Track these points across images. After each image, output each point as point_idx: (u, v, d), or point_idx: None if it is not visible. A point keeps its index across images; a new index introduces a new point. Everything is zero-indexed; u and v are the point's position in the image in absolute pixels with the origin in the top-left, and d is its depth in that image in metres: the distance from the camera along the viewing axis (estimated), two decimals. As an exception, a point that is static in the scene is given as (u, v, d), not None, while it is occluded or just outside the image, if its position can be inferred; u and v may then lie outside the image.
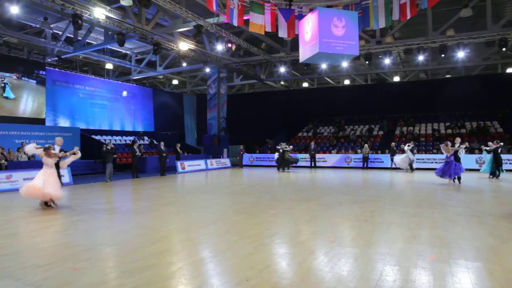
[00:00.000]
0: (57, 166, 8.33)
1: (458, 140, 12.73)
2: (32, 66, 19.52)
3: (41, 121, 19.56)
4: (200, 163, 20.83)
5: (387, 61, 19.87)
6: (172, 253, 4.74)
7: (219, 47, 18.03)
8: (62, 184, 8.97)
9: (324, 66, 23.50)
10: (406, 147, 17.66)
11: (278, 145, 19.71)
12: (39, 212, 7.62)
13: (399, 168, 18.29)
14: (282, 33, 12.61)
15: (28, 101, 19.26)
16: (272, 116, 28.91)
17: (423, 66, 22.10)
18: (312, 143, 22.49)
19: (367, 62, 19.73)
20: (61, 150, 8.47)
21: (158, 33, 17.05)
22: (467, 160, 18.39)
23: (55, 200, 8.06)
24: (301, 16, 12.08)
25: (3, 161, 13.13)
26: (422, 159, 19.48)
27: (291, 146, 20.03)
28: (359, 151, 21.60)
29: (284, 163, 19.17)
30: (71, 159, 8.66)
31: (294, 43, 19.86)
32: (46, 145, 8.11)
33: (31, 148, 7.97)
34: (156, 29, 16.80)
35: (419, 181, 13.13)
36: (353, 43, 9.91)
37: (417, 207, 7.77)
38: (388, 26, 14.10)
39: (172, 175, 17.19)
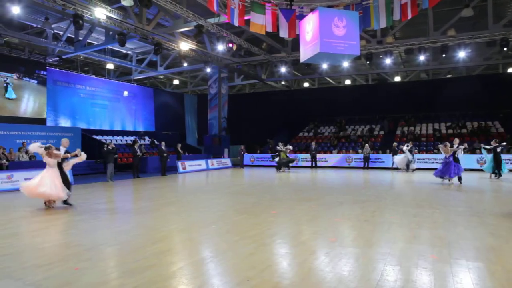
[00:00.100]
0: (60, 167, 8.24)
1: (456, 141, 12.76)
2: (33, 66, 19.54)
3: (42, 121, 19.58)
4: (201, 163, 20.83)
5: (388, 61, 19.87)
6: (173, 253, 4.74)
7: (220, 47, 18.04)
8: (71, 184, 8.82)
9: (325, 66, 23.50)
10: (404, 148, 17.69)
11: (277, 146, 19.77)
12: (40, 212, 7.63)
13: (399, 168, 18.29)
14: (283, 33, 12.60)
15: (29, 101, 19.29)
16: (273, 116, 28.91)
17: (424, 66, 22.08)
18: (313, 143, 22.48)
19: (368, 62, 19.71)
20: (66, 152, 8.40)
21: (159, 33, 17.06)
22: (468, 160, 18.41)
23: (54, 200, 8.00)
24: (302, 16, 12.08)
25: (4, 161, 13.14)
26: (423, 159, 19.46)
27: (290, 146, 19.99)
28: (360, 151, 21.59)
29: (280, 164, 19.20)
30: (75, 160, 8.49)
31: (295, 43, 19.86)
32: (47, 145, 8.07)
33: (34, 147, 7.97)
34: (157, 29, 16.81)
35: (420, 181, 13.12)
36: (354, 43, 9.91)
37: (417, 207, 7.76)
38: (389, 26, 14.08)
39: (173, 175, 17.20)
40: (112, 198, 10.37)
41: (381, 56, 20.47)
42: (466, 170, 17.65)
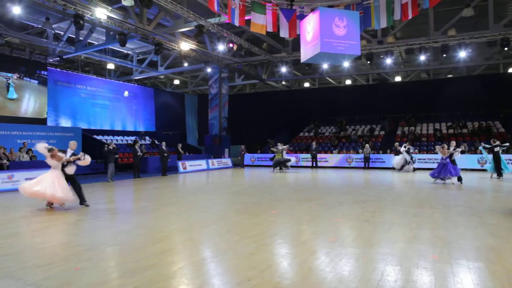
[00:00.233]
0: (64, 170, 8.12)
1: (453, 143, 12.86)
2: (34, 66, 19.56)
3: (43, 121, 19.59)
4: (201, 163, 20.84)
5: (388, 61, 19.87)
6: (174, 253, 4.74)
7: (221, 47, 18.04)
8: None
9: (325, 66, 23.49)
10: (402, 148, 17.76)
11: (271, 147, 19.89)
12: (40, 212, 7.64)
13: (395, 168, 18.38)
14: (284, 33, 12.61)
15: (30, 101, 19.30)
16: (273, 116, 28.91)
17: (424, 66, 22.06)
18: (314, 143, 22.49)
19: (368, 62, 19.70)
20: (72, 154, 8.30)
21: (160, 33, 17.06)
22: (468, 160, 18.44)
23: (53, 202, 7.91)
24: (302, 16, 12.08)
25: (5, 161, 13.15)
26: (423, 159, 19.44)
27: (284, 146, 19.95)
28: (360, 151, 21.58)
29: (276, 164, 19.24)
30: (79, 163, 8.30)
31: (295, 43, 19.86)
32: (49, 147, 7.96)
33: (41, 147, 7.88)
34: (157, 29, 16.81)
35: (420, 181, 13.11)
36: (355, 43, 9.91)
37: (418, 207, 7.76)
38: (389, 26, 14.08)
39: (173, 175, 17.21)
40: (112, 198, 10.38)
41: (381, 56, 20.48)
42: (466, 170, 17.82)
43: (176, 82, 30.33)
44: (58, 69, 21.75)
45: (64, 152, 8.16)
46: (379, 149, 22.09)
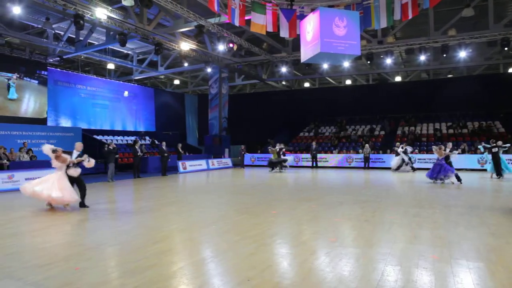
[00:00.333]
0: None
1: (449, 145, 13.08)
2: (34, 66, 19.55)
3: (43, 121, 19.59)
4: (201, 163, 20.84)
5: (388, 61, 19.87)
6: (174, 253, 4.74)
7: (221, 47, 18.04)
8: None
9: (325, 66, 23.49)
10: (399, 149, 17.85)
11: (278, 145, 19.88)
12: (41, 212, 7.64)
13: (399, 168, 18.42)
14: (284, 33, 12.60)
15: (30, 101, 19.30)
16: (273, 116, 28.91)
17: (424, 66, 22.06)
18: (314, 143, 22.49)
19: (368, 62, 19.69)
20: (78, 156, 8.25)
21: (160, 33, 17.06)
22: (468, 160, 18.46)
23: (52, 203, 7.85)
24: (302, 16, 12.08)
25: (5, 161, 13.15)
26: (424, 159, 19.45)
27: (280, 146, 19.96)
28: (360, 151, 21.58)
29: (270, 164, 19.25)
30: (86, 164, 8.22)
31: (295, 43, 19.86)
32: (53, 147, 7.86)
33: (46, 149, 7.79)
34: (157, 29, 16.81)
35: (420, 181, 13.10)
36: (355, 43, 9.91)
37: (418, 207, 7.76)
38: (389, 26, 14.07)
39: (173, 175, 17.21)
40: (112, 198, 10.38)
41: (381, 56, 20.47)
42: (466, 170, 17.84)
43: (176, 82, 30.33)
44: (58, 69, 21.75)
45: (70, 153, 8.10)
46: (379, 149, 22.10)
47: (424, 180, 13.10)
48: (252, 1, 12.39)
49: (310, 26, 10.15)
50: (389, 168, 19.40)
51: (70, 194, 7.76)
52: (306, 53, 10.48)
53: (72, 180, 8.01)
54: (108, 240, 5.37)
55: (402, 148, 17.88)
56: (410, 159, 18.05)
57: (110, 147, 14.76)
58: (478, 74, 24.47)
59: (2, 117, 17.48)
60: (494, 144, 13.94)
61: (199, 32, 15.63)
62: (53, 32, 18.10)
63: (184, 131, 30.63)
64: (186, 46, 18.60)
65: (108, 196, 10.75)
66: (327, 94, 28.34)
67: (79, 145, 8.43)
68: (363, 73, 26.33)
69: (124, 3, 12.46)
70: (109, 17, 14.59)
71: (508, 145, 14.69)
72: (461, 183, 12.12)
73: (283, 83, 29.98)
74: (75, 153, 8.19)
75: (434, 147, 13.18)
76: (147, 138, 25.44)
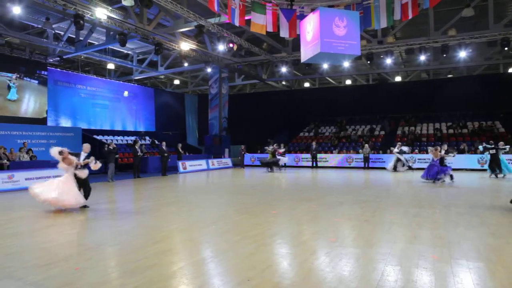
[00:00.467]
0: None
1: (444, 147, 13.25)
2: (34, 66, 19.55)
3: (43, 121, 19.58)
4: (201, 163, 20.84)
5: (388, 61, 19.86)
6: (174, 253, 4.75)
7: (221, 47, 18.04)
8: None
9: (325, 66, 23.49)
10: (395, 150, 18.03)
11: (275, 146, 19.95)
12: (41, 212, 7.64)
13: (411, 168, 18.52)
14: (284, 33, 12.60)
15: (30, 101, 19.30)
16: (273, 116, 28.91)
17: (424, 66, 22.06)
18: (314, 143, 22.50)
19: (368, 62, 19.69)
20: (86, 157, 8.20)
21: (160, 33, 17.06)
22: (469, 160, 18.48)
23: (53, 206, 7.71)
24: (302, 16, 12.08)
25: (5, 161, 13.15)
26: (424, 159, 19.43)
27: (274, 146, 20.01)
28: (360, 151, 21.58)
29: (269, 164, 19.27)
30: (92, 166, 8.16)
31: (295, 43, 19.86)
32: (60, 149, 7.73)
33: (54, 152, 7.68)
34: (157, 29, 16.81)
35: (419, 181, 13.10)
36: (355, 43, 9.91)
37: (418, 207, 7.76)
38: (389, 26, 14.07)
39: (173, 175, 17.21)
40: (112, 198, 10.37)
41: (381, 56, 20.47)
42: (466, 170, 17.86)
43: (176, 82, 30.33)
44: (58, 69, 21.74)
45: (77, 155, 8.04)
46: (379, 149, 22.09)
47: (423, 180, 13.12)
48: (252, 1, 12.39)
49: (310, 26, 10.15)
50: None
51: (74, 198, 7.59)
52: (306, 53, 10.48)
53: (80, 182, 7.96)
54: (108, 240, 5.37)
55: (397, 148, 17.99)
56: (406, 159, 18.14)
57: (110, 147, 14.76)
58: (478, 74, 24.46)
59: (2, 117, 17.48)
60: (493, 146, 14.14)
61: (199, 32, 15.63)
62: (53, 32, 18.10)
63: (184, 131, 30.63)
64: (186, 46, 18.60)
65: (108, 196, 10.75)
66: (327, 94, 28.33)
67: (86, 147, 8.38)
68: (363, 73, 26.32)
69: (124, 3, 12.46)
70: (109, 17, 14.59)
71: (508, 147, 14.75)
72: (453, 181, 12.42)
73: (283, 83, 29.98)
74: (83, 155, 8.13)
75: (430, 148, 13.46)
76: (147, 138, 25.44)
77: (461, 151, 19.52)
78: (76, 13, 13.41)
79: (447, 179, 12.55)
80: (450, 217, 6.74)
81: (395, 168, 18.01)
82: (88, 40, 18.76)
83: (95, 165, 8.16)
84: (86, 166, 8.11)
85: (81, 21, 13.49)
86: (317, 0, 13.00)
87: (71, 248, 4.97)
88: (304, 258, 4.39)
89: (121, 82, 26.15)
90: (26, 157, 14.43)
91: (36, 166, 13.33)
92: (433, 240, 5.12)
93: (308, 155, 22.26)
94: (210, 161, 21.72)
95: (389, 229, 5.84)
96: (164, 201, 9.36)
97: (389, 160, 19.57)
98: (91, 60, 23.56)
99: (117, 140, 22.98)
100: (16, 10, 13.62)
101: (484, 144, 14.96)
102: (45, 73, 20.10)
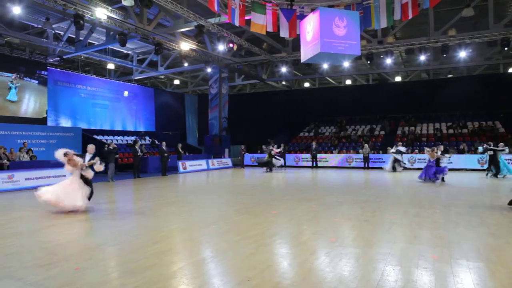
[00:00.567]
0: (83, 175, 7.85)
1: (440, 148, 13.47)
2: (34, 66, 19.55)
3: (43, 121, 19.58)
4: (201, 163, 20.84)
5: (388, 61, 19.86)
6: (174, 253, 4.75)
7: (221, 47, 18.04)
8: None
9: (325, 66, 23.49)
10: (392, 150, 18.18)
11: (270, 146, 19.96)
12: (41, 212, 7.64)
13: (406, 168, 18.53)
14: (284, 33, 12.60)
15: (30, 101, 19.30)
16: (273, 116, 28.90)
17: (424, 66, 22.06)
18: (314, 143, 22.50)
19: (368, 62, 19.69)
20: (91, 159, 8.17)
21: (160, 33, 17.06)
22: (469, 160, 18.47)
23: (53, 206, 7.62)
24: (302, 16, 12.08)
25: (5, 161, 13.15)
26: (424, 159, 19.39)
27: (270, 147, 20.07)
28: (360, 151, 21.58)
29: (266, 164, 19.28)
30: (96, 168, 8.07)
31: (295, 43, 19.85)
32: (64, 151, 7.63)
33: (59, 154, 7.61)
34: (157, 29, 16.81)
35: (420, 181, 13.11)
36: (355, 43, 9.91)
37: (418, 207, 7.76)
38: (389, 26, 14.08)
39: (173, 175, 17.21)
40: (113, 198, 10.37)
41: (381, 56, 20.47)
42: (466, 170, 17.87)
43: (176, 82, 30.33)
44: (58, 69, 21.74)
45: (82, 156, 7.99)
46: (379, 149, 22.09)
47: (426, 181, 13.14)
48: (252, 1, 12.40)
49: (310, 26, 10.16)
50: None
51: (72, 203, 7.46)
52: (306, 53, 10.49)
53: (87, 182, 7.91)
54: (108, 240, 5.37)
55: (394, 148, 18.10)
56: (402, 160, 18.23)
57: (110, 147, 14.76)
58: (478, 74, 24.46)
59: (2, 117, 17.48)
60: (490, 148, 14.32)
61: (199, 32, 15.63)
62: (53, 32, 18.10)
63: (184, 131, 30.63)
64: (186, 46, 18.60)
65: (108, 196, 10.74)
66: (327, 94, 28.33)
67: (91, 148, 8.35)
68: (363, 73, 26.32)
69: (124, 3, 12.46)
70: (109, 17, 14.59)
71: (507, 148, 14.83)
72: (444, 181, 12.75)
73: (283, 83, 29.98)
74: (88, 156, 8.11)
75: (426, 149, 13.75)
76: (147, 138, 25.44)
77: (460, 151, 19.54)
78: (76, 13, 13.41)
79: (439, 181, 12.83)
80: (450, 217, 6.74)
81: (394, 169, 18.03)
82: (88, 40, 18.76)
83: (99, 166, 8.12)
84: (90, 167, 8.08)
85: (81, 21, 13.49)
86: (317, 0, 13.01)
87: (71, 248, 4.97)
88: (304, 258, 4.39)
89: (121, 82, 26.15)
90: (26, 157, 14.43)
91: (36, 166, 13.32)
92: (433, 240, 5.12)
93: (308, 155, 22.26)
94: (210, 161, 21.72)
95: (389, 229, 5.84)
96: (164, 201, 9.36)
97: (389, 160, 19.61)
98: (91, 60, 23.56)
99: (117, 140, 22.98)
100: (16, 10, 13.62)
101: (485, 145, 15.00)
102: (45, 73, 20.10)
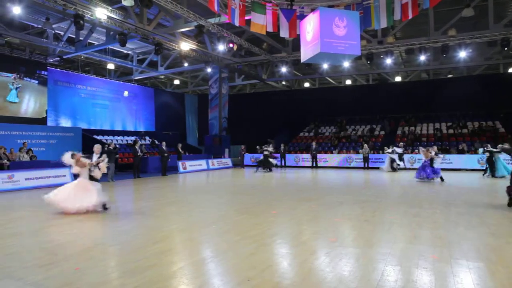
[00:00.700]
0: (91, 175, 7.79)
1: (434, 148, 13.81)
2: (34, 66, 19.55)
3: (43, 121, 19.59)
4: (201, 163, 20.84)
5: (388, 61, 19.86)
6: (174, 253, 4.74)
7: (221, 47, 18.04)
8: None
9: (325, 66, 23.49)
10: (388, 150, 18.26)
11: (264, 146, 19.98)
12: (41, 212, 7.63)
13: (401, 168, 18.48)
14: (284, 33, 12.60)
15: (30, 101, 19.30)
16: (273, 116, 28.90)
17: (424, 66, 22.06)
18: (314, 143, 22.50)
19: (368, 62, 19.69)
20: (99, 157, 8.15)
21: (160, 33, 17.06)
22: (469, 160, 18.48)
23: (65, 211, 7.42)
24: (302, 16, 12.08)
25: (5, 161, 13.15)
26: (423, 159, 19.42)
27: (265, 147, 20.12)
28: (360, 151, 21.58)
29: (264, 164, 19.27)
30: (101, 166, 7.99)
31: (295, 43, 19.86)
32: (71, 152, 7.58)
33: (66, 158, 7.55)
34: (157, 29, 16.81)
35: (420, 181, 13.11)
36: (355, 43, 9.91)
37: (418, 207, 7.76)
38: (389, 26, 14.08)
39: (173, 175, 17.21)
40: (112, 198, 10.34)
41: (381, 56, 20.46)
42: (466, 170, 17.87)
43: (176, 82, 30.34)
44: (58, 69, 21.75)
45: (89, 157, 7.96)
46: (379, 149, 22.08)
47: (424, 180, 13.14)
48: (252, 1, 12.40)
49: (310, 26, 10.15)
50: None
51: (76, 206, 7.31)
52: (306, 53, 10.49)
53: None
54: (108, 240, 5.37)
55: (390, 148, 18.19)
56: (394, 160, 18.29)
57: (110, 147, 14.76)
58: (478, 74, 24.46)
59: (2, 117, 17.48)
60: (489, 149, 14.47)
61: (199, 32, 15.63)
62: (53, 32, 18.10)
63: (184, 131, 30.63)
64: (186, 46, 18.60)
65: (108, 196, 10.70)
66: (327, 94, 28.33)
67: (98, 148, 8.35)
68: (363, 73, 26.32)
69: (124, 3, 12.46)
70: (109, 17, 14.59)
71: (496, 150, 14.92)
72: (442, 181, 12.93)
73: (283, 83, 29.98)
74: (95, 156, 8.11)
75: (421, 149, 14.04)
76: (147, 138, 25.44)
77: (460, 151, 19.55)
78: (76, 13, 13.41)
79: (437, 180, 13.10)
80: (450, 217, 6.74)
81: (393, 169, 18.03)
82: (88, 40, 18.77)
83: (104, 165, 8.08)
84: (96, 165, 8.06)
85: (81, 21, 13.49)
86: (317, 0, 13.00)
87: (71, 248, 4.97)
88: (304, 258, 4.39)
89: (121, 82, 26.15)
90: (26, 157, 14.43)
91: (36, 166, 13.32)
92: (433, 240, 5.12)
93: (308, 155, 22.26)
94: (210, 161, 21.72)
95: (389, 229, 5.84)
96: (164, 201, 9.36)
97: (386, 160, 19.63)
98: (91, 60, 23.56)
99: (117, 140, 22.98)
100: (16, 10, 13.63)
101: (488, 147, 15.06)
102: (45, 73, 20.10)
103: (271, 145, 20.78)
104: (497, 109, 22.86)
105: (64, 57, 20.16)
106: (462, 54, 18.17)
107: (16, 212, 7.85)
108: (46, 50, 20.14)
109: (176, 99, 30.64)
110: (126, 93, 25.65)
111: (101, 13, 13.91)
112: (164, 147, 17.11)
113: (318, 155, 21.93)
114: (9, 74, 18.30)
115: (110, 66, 24.08)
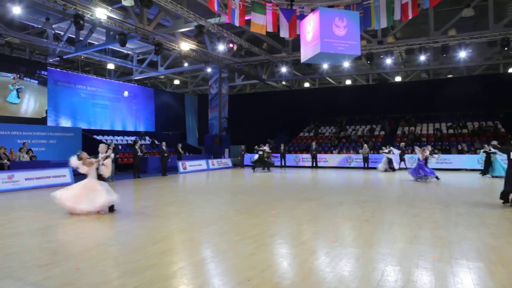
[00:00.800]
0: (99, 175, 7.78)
1: (428, 148, 14.09)
2: (34, 66, 19.55)
3: (43, 121, 19.59)
4: (201, 163, 20.84)
5: (388, 61, 19.86)
6: (174, 253, 4.74)
7: (221, 47, 18.04)
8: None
9: (325, 66, 23.49)
10: (385, 150, 18.35)
11: (258, 146, 19.99)
12: (41, 212, 7.63)
13: (402, 168, 18.52)
14: (284, 33, 12.60)
15: (30, 102, 19.30)
16: (273, 116, 28.90)
17: (424, 66, 22.06)
18: (314, 143, 22.50)
19: (368, 62, 19.69)
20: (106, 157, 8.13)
21: (160, 33, 17.06)
22: (469, 160, 18.48)
23: (72, 211, 7.37)
24: (302, 16, 12.08)
25: (5, 161, 13.15)
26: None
27: (261, 147, 20.16)
28: (360, 151, 21.58)
29: (262, 164, 19.24)
30: (108, 163, 7.96)
31: (295, 43, 19.85)
32: (77, 153, 7.55)
33: (73, 161, 7.48)
34: (157, 29, 16.81)
35: (420, 181, 13.11)
36: (355, 43, 9.91)
37: (418, 207, 7.76)
38: (389, 26, 14.08)
39: (173, 175, 17.21)
40: (112, 198, 10.34)
41: (381, 56, 20.46)
42: (466, 170, 17.88)
43: (176, 82, 30.34)
44: (58, 69, 21.75)
45: (95, 157, 7.93)
46: (379, 149, 22.07)
47: (424, 180, 13.15)
48: (252, 1, 12.40)
49: (310, 26, 10.16)
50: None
51: (80, 206, 7.29)
52: (306, 53, 10.49)
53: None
54: (108, 240, 5.37)
55: (387, 149, 18.33)
56: (391, 160, 18.30)
57: (110, 147, 14.74)
58: (478, 74, 24.46)
59: (2, 117, 17.49)
60: (486, 150, 14.69)
61: (199, 32, 15.63)
62: (53, 32, 18.09)
63: (184, 131, 30.63)
64: (186, 46, 18.60)
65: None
66: (327, 94, 28.33)
67: (103, 147, 8.31)
68: (363, 73, 26.32)
69: (124, 3, 12.46)
70: (109, 17, 14.59)
71: (493, 150, 14.99)
72: (438, 179, 13.18)
73: (283, 83, 29.98)
74: (101, 156, 8.12)
75: (417, 148, 14.34)
76: (147, 138, 25.44)
77: (460, 151, 19.55)
78: (76, 13, 13.41)
79: (433, 179, 13.33)
80: (450, 217, 6.74)
81: (393, 169, 18.04)
82: (88, 40, 18.76)
83: (109, 160, 8.07)
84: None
85: (81, 21, 13.48)
86: (317, 0, 13.01)
87: (71, 248, 4.97)
88: (304, 258, 4.39)
89: (121, 82, 26.16)
90: (26, 157, 14.43)
91: (36, 166, 13.32)
92: (433, 240, 5.12)
93: (308, 155, 22.26)
94: (210, 161, 21.71)
95: (389, 229, 5.84)
96: (164, 201, 9.36)
97: (382, 160, 19.64)
98: (91, 60, 23.56)
99: (117, 140, 22.98)
100: (16, 10, 13.63)
101: (491, 147, 15.18)
102: (45, 73, 20.10)
103: (267, 144, 20.76)
104: (497, 109, 22.86)
105: (64, 57, 20.16)
106: (462, 54, 18.17)
107: (16, 212, 7.85)
108: (46, 50, 20.14)
109: (176, 99, 30.64)
110: (126, 93, 25.66)
111: (101, 13, 13.91)
112: (164, 147, 17.11)
113: (318, 155, 21.93)
114: (9, 74, 18.31)
115: (110, 66, 24.08)
